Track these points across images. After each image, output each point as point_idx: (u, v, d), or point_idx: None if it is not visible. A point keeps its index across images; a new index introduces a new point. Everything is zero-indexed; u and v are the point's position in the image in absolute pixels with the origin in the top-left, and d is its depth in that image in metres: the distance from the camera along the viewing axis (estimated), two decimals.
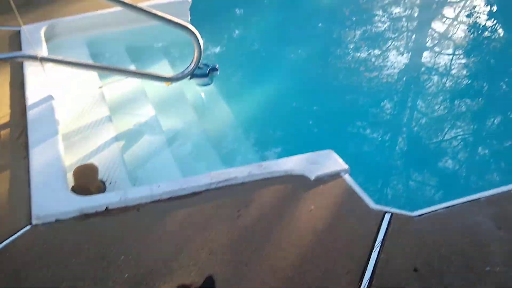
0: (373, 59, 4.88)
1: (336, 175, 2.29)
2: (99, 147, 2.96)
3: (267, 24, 5.45)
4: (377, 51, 5.06)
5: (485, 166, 3.37)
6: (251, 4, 6.13)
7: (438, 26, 6.02)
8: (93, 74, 3.59)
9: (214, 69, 3.67)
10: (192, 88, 3.75)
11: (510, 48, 5.45)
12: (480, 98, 4.38)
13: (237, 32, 5.36)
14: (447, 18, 6.15)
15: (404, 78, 4.71)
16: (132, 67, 3.93)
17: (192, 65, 3.28)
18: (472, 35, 5.62)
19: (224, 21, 5.50)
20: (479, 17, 6.03)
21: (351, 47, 5.24)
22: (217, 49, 4.84)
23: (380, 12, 6.19)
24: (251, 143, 3.49)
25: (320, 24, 5.70)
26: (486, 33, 5.70)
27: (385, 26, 5.79)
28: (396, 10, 6.26)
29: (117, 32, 4.29)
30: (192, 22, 4.50)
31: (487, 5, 6.52)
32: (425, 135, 3.67)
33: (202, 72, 3.62)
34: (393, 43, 5.34)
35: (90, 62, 3.69)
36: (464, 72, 4.76)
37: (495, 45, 5.56)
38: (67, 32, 4.16)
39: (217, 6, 5.71)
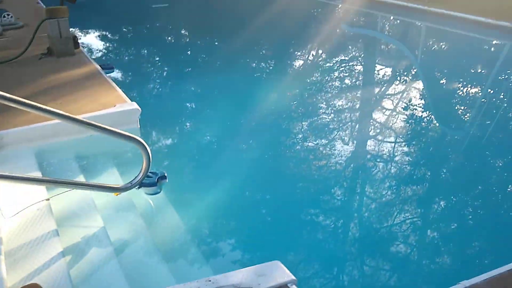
0: (321, 148, 5.19)
1: (283, 287, 2.35)
2: (45, 263, 2.89)
3: (217, 125, 5.70)
4: (324, 141, 5.39)
5: (427, 268, 3.55)
6: (198, 106, 6.43)
7: (379, 116, 6.56)
8: (40, 186, 3.58)
9: (163, 177, 3.77)
10: (141, 197, 3.80)
11: (446, 137, 5.97)
12: (423, 186, 4.69)
13: (185, 136, 5.54)
14: (386, 109, 6.72)
15: (351, 167, 4.99)
16: (81, 177, 3.96)
17: (141, 175, 3.36)
18: (410, 125, 6.14)
19: (172, 126, 5.71)
20: (416, 109, 6.63)
21: (300, 137, 5.57)
22: (166, 156, 4.97)
23: (324, 105, 6.67)
24: (201, 250, 3.52)
25: (269, 118, 6.03)
26: (423, 124, 6.25)
27: (330, 117, 6.23)
28: (339, 102, 6.78)
29: (66, 142, 4.35)
30: (141, 129, 4.68)
31: (421, 99, 7.20)
32: (369, 237, 3.85)
33: (151, 181, 3.70)
34: (338, 133, 5.72)
35: (38, 175, 3.70)
36: (406, 160, 5.12)
37: (432, 135, 6.07)
38: (15, 143, 4.18)
39: (165, 111, 5.96)
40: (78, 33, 10.27)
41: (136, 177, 3.34)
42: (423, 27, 12.84)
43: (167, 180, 3.79)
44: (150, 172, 3.66)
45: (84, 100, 4.99)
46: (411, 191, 4.57)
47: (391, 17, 13.97)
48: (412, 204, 4.34)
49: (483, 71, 9.24)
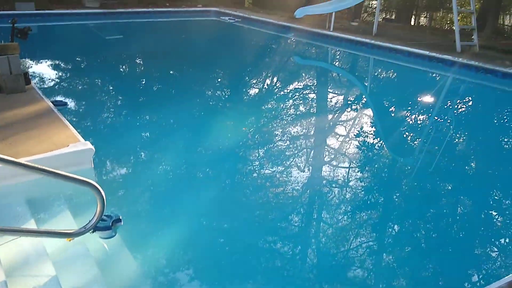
0: (277, 175, 5.28)
1: None
2: None
3: (175, 162, 5.68)
4: (280, 168, 5.49)
5: None
6: (154, 143, 6.40)
7: (333, 143, 6.78)
8: None
9: (117, 220, 3.73)
10: (96, 241, 3.73)
11: (397, 163, 6.21)
12: (380, 212, 4.84)
13: (141, 176, 5.46)
14: (340, 135, 6.95)
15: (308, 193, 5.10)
16: (32, 221, 3.85)
17: (95, 219, 3.31)
18: (363, 151, 6.38)
19: (127, 165, 5.66)
20: (368, 136, 6.88)
21: (257, 164, 5.64)
22: (121, 197, 4.89)
23: (279, 132, 6.81)
24: None
25: (226, 153, 6.09)
26: (375, 150, 6.49)
27: (286, 144, 6.38)
28: (293, 130, 6.94)
29: (15, 185, 4.22)
30: (95, 169, 4.62)
31: (372, 126, 7.47)
32: (331, 267, 3.94)
33: (105, 225, 3.65)
34: (293, 161, 5.88)
35: None
36: (360, 186, 5.30)
37: (384, 161, 6.30)
38: None
39: (120, 149, 5.90)
40: (30, 62, 10.05)
41: (90, 221, 3.29)
42: (371, 59, 13.40)
43: (122, 223, 3.75)
44: (104, 215, 3.62)
45: (35, 139, 4.89)
46: (371, 216, 4.72)
47: (340, 50, 14.51)
48: (375, 229, 4.49)
49: (429, 100, 9.71)
